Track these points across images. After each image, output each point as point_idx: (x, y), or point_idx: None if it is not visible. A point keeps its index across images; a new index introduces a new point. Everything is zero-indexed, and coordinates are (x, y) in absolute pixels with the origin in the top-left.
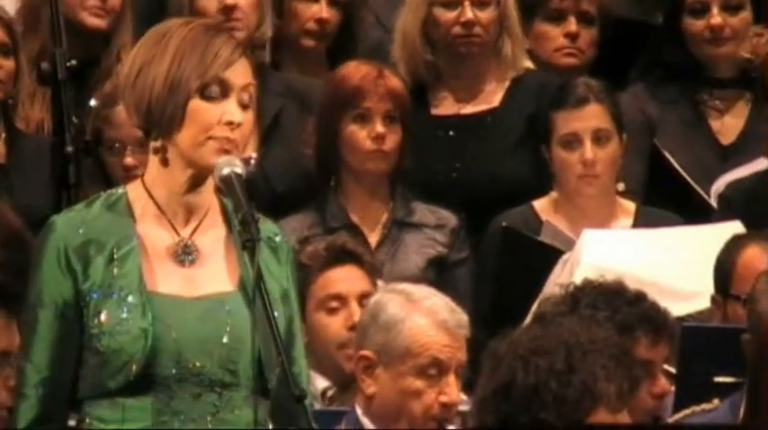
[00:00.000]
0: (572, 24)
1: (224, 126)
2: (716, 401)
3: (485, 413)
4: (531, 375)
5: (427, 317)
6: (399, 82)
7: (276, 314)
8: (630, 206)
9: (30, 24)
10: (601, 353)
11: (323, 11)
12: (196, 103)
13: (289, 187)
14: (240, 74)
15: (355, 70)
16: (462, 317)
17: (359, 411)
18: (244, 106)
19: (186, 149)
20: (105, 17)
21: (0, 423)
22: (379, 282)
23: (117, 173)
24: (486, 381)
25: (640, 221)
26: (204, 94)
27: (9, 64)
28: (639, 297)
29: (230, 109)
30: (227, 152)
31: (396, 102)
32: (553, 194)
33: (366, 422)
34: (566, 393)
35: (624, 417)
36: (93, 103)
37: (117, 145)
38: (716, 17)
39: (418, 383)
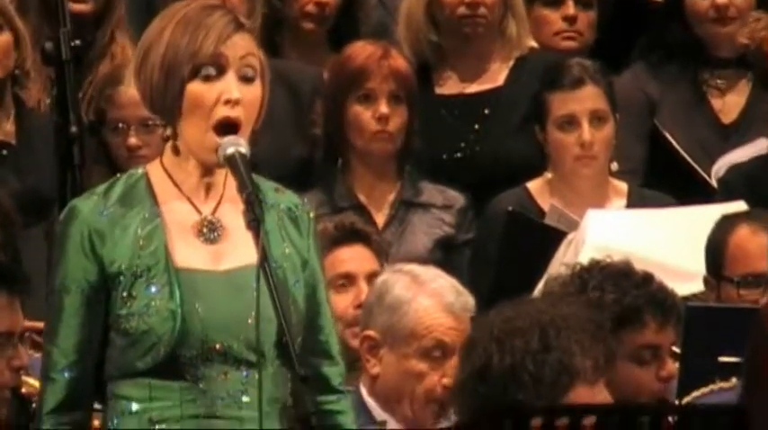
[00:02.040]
0: (570, 8)
1: (223, 106)
2: (734, 380)
3: (463, 396)
4: (506, 356)
5: (433, 298)
6: (405, 62)
7: (297, 284)
8: (623, 187)
9: (19, 8)
10: (574, 330)
11: None
12: (193, 87)
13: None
14: (238, 46)
15: (360, 50)
16: (468, 299)
17: (363, 391)
18: (247, 79)
19: (190, 143)
20: (89, 1)
21: (3, 403)
22: (386, 264)
23: (121, 153)
24: (463, 365)
25: (633, 202)
26: (200, 75)
27: (4, 39)
28: (647, 279)
29: (227, 86)
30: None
31: (400, 82)
32: (547, 175)
33: (370, 402)
34: (543, 372)
35: (601, 389)
36: None
37: (121, 125)
38: None
39: (422, 365)
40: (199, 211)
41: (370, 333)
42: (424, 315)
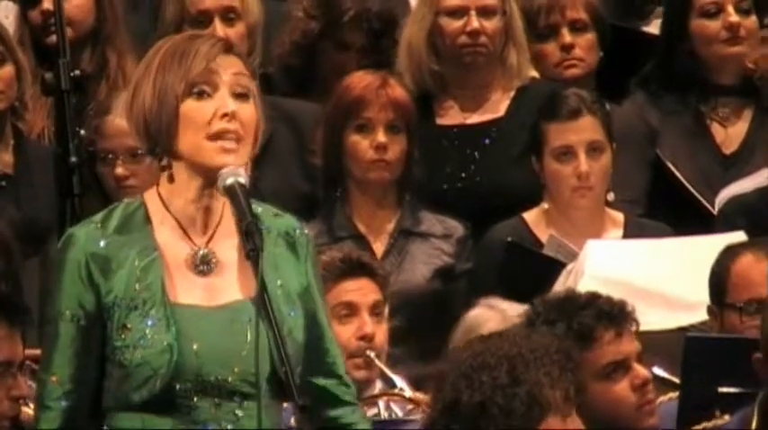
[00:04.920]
0: (565, 36)
1: (219, 119)
2: (726, 417)
3: None
4: (476, 392)
5: None
6: (404, 91)
7: (292, 314)
8: (620, 217)
9: (18, 41)
10: (542, 361)
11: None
12: (188, 105)
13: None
14: (228, 65)
15: (358, 80)
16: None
17: None
18: (239, 95)
19: (189, 156)
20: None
21: None
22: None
23: (110, 183)
24: (433, 401)
25: (630, 232)
26: (193, 92)
27: (6, 71)
28: (591, 298)
29: (222, 101)
30: (227, 151)
31: (399, 111)
32: (544, 206)
33: None
34: (513, 406)
35: (573, 419)
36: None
37: (110, 155)
38: (733, 16)
39: None
40: (194, 243)
41: None
42: None
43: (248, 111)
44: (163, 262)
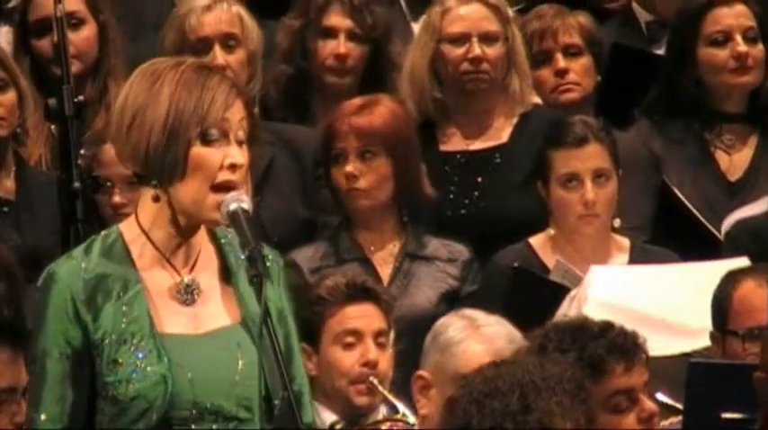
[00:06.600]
0: (559, 61)
1: (226, 170)
2: None
3: None
4: (486, 418)
5: (483, 343)
6: (382, 114)
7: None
8: (625, 243)
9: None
10: (555, 390)
11: (341, 46)
12: (197, 150)
13: (285, 235)
14: (237, 110)
15: (336, 109)
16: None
17: None
18: (240, 143)
19: (187, 204)
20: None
21: None
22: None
23: (107, 212)
24: (443, 426)
25: (636, 258)
26: (205, 139)
27: (8, 98)
28: (604, 328)
29: (232, 151)
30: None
31: (368, 138)
32: (550, 231)
33: None
34: None
35: None
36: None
37: (107, 183)
38: (741, 45)
39: None
40: (177, 273)
41: (422, 373)
42: (471, 358)
43: (245, 157)
44: (147, 293)
